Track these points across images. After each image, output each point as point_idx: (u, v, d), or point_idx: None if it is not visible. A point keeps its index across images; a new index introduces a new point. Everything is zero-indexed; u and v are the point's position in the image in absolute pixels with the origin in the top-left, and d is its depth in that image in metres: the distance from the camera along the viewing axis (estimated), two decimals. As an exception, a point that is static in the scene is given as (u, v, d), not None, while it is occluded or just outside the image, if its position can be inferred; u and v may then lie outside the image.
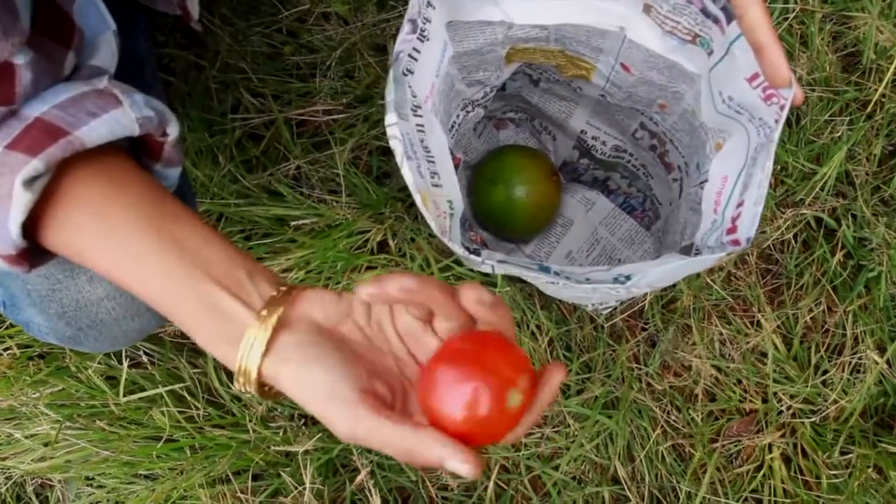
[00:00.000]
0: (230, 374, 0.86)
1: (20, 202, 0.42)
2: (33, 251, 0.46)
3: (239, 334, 0.43)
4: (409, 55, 0.64)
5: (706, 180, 0.68)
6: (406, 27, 0.62)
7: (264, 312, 0.43)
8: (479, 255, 0.62)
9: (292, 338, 0.43)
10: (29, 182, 0.41)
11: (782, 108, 0.56)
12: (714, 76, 0.65)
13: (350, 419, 0.40)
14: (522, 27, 0.71)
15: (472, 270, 0.86)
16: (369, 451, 0.85)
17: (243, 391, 0.44)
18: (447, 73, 0.71)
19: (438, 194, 0.67)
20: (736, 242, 0.59)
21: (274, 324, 0.42)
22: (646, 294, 0.88)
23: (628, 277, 0.60)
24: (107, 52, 0.48)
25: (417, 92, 0.66)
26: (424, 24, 0.64)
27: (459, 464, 0.39)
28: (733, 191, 0.64)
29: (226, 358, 0.44)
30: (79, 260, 0.45)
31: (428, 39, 0.65)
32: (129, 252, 0.44)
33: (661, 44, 0.68)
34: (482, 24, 0.70)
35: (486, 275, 0.87)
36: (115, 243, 0.44)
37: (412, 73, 0.65)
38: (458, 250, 0.60)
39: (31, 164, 0.41)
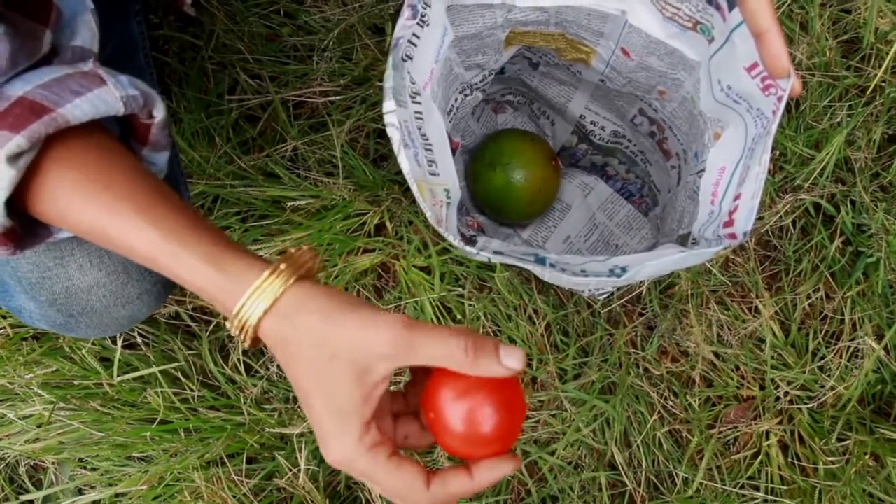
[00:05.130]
0: (225, 356, 0.85)
1: (4, 178, 0.41)
2: (18, 234, 0.46)
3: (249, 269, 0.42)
4: (409, 41, 0.63)
5: (703, 170, 0.68)
6: (406, 12, 0.61)
7: (283, 266, 0.42)
8: (474, 244, 0.61)
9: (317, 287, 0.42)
10: (12, 159, 0.41)
11: (780, 98, 0.56)
12: (714, 64, 0.65)
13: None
14: (523, 10, 0.70)
15: None
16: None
17: (237, 328, 0.42)
18: (446, 57, 0.70)
19: (435, 183, 0.66)
20: (733, 236, 0.58)
21: (295, 274, 0.42)
22: (644, 279, 0.87)
23: (624, 269, 0.60)
24: (87, 33, 0.48)
25: (416, 78, 0.66)
26: (425, 8, 0.63)
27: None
28: (730, 182, 0.63)
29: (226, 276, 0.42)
30: (67, 221, 0.44)
31: (428, 25, 0.65)
32: (126, 205, 0.43)
33: (662, 30, 0.67)
34: (482, 8, 0.69)
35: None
36: (109, 196, 0.43)
37: (411, 58, 0.64)
38: (454, 241, 0.59)
39: (14, 141, 0.41)
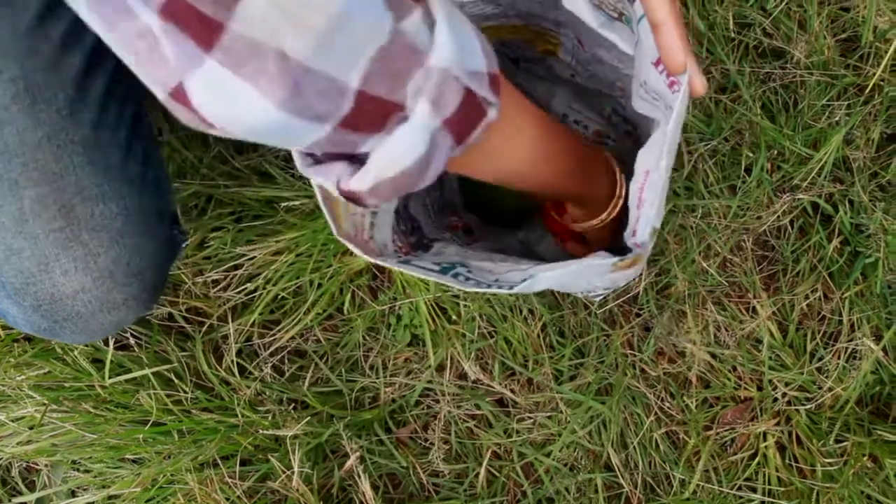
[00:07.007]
0: (219, 357, 0.85)
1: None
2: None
3: None
4: None
5: (633, 174, 0.65)
6: None
7: None
8: (428, 249, 0.59)
9: None
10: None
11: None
12: (636, 58, 0.60)
13: None
14: (474, 2, 0.68)
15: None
16: (359, 436, 0.84)
17: None
18: None
19: None
20: (637, 245, 0.55)
21: None
22: (640, 280, 0.87)
23: (532, 277, 0.57)
24: None
25: None
26: None
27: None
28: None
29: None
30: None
31: None
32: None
33: (594, 18, 0.62)
34: None
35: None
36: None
37: None
38: (356, 250, 0.55)
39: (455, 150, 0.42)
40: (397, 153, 0.39)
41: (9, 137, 0.55)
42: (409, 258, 0.61)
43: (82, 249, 0.58)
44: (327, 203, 0.53)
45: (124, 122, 0.63)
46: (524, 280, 0.54)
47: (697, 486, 0.84)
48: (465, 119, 0.40)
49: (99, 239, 0.59)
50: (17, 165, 0.56)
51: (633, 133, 0.80)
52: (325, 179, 0.42)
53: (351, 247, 0.53)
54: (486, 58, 0.41)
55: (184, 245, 0.72)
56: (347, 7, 0.33)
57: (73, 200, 0.58)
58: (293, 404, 0.85)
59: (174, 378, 0.83)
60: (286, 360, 0.87)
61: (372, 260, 0.55)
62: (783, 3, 0.90)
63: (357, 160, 0.42)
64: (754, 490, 0.84)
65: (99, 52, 0.61)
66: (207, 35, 0.32)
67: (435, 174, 0.42)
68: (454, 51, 0.37)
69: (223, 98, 0.34)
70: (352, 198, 0.43)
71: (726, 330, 0.87)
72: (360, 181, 0.41)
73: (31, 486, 0.85)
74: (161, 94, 0.35)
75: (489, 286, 0.54)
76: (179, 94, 0.34)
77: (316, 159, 0.43)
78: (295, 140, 0.38)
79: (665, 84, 0.54)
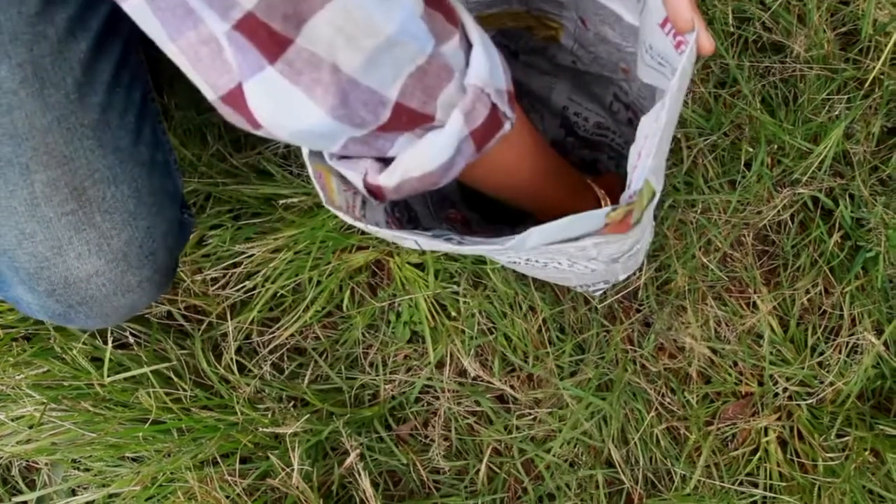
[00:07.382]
0: (218, 355, 0.85)
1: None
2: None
3: None
4: None
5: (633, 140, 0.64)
6: None
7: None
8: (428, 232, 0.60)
9: None
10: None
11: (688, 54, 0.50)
12: (641, 24, 0.60)
13: None
14: None
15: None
16: (359, 433, 0.84)
17: None
18: None
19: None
20: (632, 197, 0.54)
21: None
22: (640, 275, 0.86)
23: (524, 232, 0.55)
24: None
25: None
26: None
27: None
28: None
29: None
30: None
31: None
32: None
33: None
34: None
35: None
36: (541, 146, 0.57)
37: None
38: (347, 219, 0.54)
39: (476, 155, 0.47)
40: (426, 157, 0.44)
41: (18, 122, 0.55)
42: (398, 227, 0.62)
43: (95, 232, 0.58)
44: (319, 176, 0.53)
45: (132, 106, 0.63)
46: (515, 237, 0.53)
47: (699, 481, 0.83)
48: (487, 130, 0.46)
49: (112, 221, 0.59)
50: (27, 149, 0.56)
51: (635, 121, 0.80)
52: (353, 173, 0.47)
53: (341, 215, 0.53)
54: (505, 76, 0.47)
55: (192, 228, 0.72)
56: (397, 34, 0.38)
57: (84, 183, 0.58)
58: (293, 402, 0.84)
59: (173, 376, 0.83)
60: (285, 358, 0.87)
61: (364, 227, 0.54)
62: (782, -3, 0.90)
63: (382, 158, 0.46)
64: (756, 485, 0.84)
65: (105, 37, 0.61)
66: (275, 48, 0.36)
67: (452, 177, 0.47)
68: (488, 70, 0.44)
69: (279, 103, 0.38)
70: (376, 192, 0.48)
71: (727, 325, 0.86)
72: (388, 178, 0.46)
73: (32, 485, 0.85)
74: (212, 96, 0.39)
75: (480, 245, 0.54)
76: (234, 96, 0.38)
77: (342, 154, 0.47)
78: (332, 143, 0.43)
79: (672, 45, 0.54)
